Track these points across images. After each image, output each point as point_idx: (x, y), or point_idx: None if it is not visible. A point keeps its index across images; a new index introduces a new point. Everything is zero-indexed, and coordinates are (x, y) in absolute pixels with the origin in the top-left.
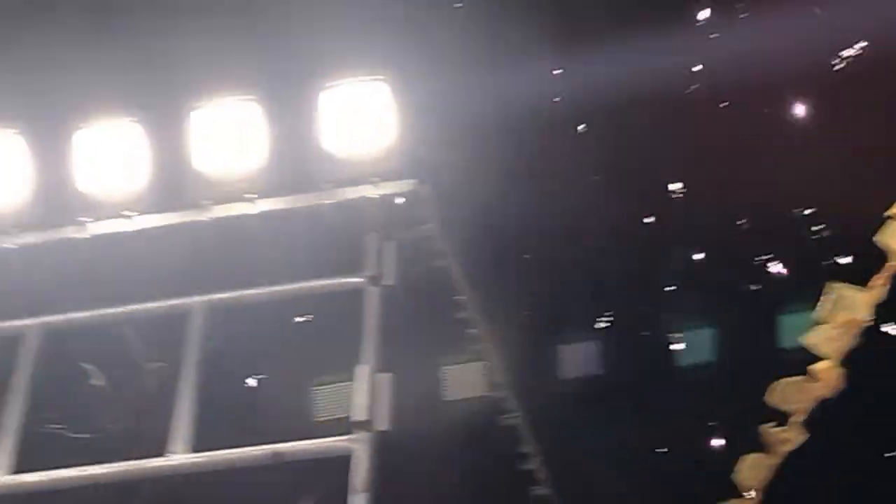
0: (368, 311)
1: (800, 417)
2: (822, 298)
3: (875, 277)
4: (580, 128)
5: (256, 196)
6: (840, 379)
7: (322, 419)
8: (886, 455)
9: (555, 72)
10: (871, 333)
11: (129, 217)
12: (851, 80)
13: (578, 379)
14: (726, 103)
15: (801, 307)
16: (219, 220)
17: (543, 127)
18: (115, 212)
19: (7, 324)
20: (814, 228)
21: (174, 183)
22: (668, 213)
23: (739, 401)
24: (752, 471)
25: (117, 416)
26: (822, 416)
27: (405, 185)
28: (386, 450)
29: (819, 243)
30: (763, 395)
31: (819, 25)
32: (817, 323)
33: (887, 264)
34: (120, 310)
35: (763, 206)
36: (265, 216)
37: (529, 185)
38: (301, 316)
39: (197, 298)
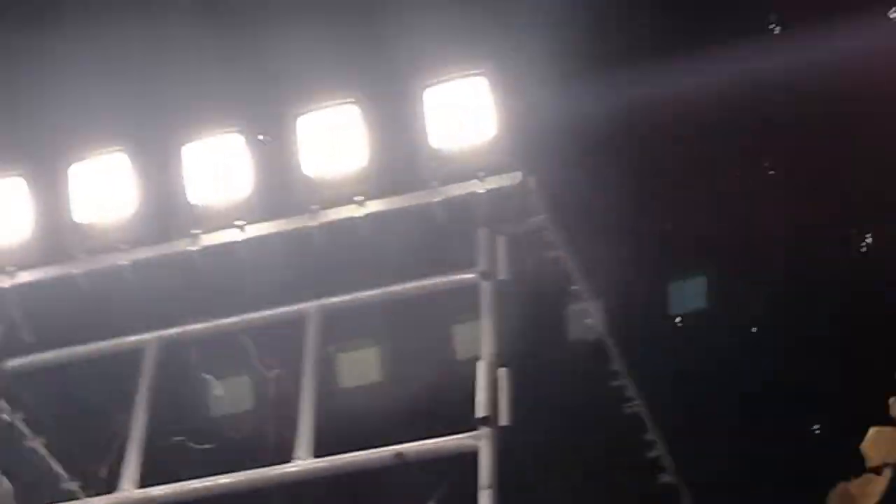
0: (483, 307)
1: None
2: None
3: None
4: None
5: (364, 198)
6: None
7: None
8: None
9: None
10: None
11: (240, 227)
12: None
13: (697, 361)
14: None
15: None
16: (327, 223)
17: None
18: (227, 222)
19: (126, 339)
20: None
21: (281, 189)
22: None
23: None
24: (881, 445)
25: (239, 425)
26: None
27: (512, 177)
28: (509, 445)
29: None
30: None
31: None
32: None
33: None
34: (236, 319)
35: None
36: (373, 217)
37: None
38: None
39: (311, 303)
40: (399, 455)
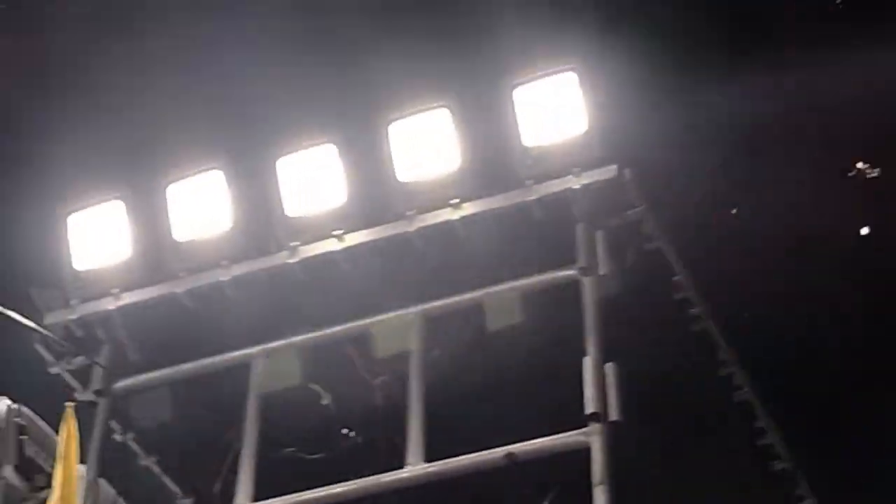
0: (586, 302)
1: None
2: None
3: None
4: None
5: (459, 200)
6: None
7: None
8: None
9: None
10: None
11: (338, 237)
12: None
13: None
14: None
15: None
16: (425, 228)
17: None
18: (325, 233)
19: (231, 354)
20: None
21: (377, 197)
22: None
23: None
24: None
25: (349, 434)
26: None
27: (607, 171)
28: (620, 440)
29: None
30: None
31: None
32: None
33: None
34: (339, 328)
35: None
36: (470, 219)
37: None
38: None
39: (414, 308)
40: (510, 455)
